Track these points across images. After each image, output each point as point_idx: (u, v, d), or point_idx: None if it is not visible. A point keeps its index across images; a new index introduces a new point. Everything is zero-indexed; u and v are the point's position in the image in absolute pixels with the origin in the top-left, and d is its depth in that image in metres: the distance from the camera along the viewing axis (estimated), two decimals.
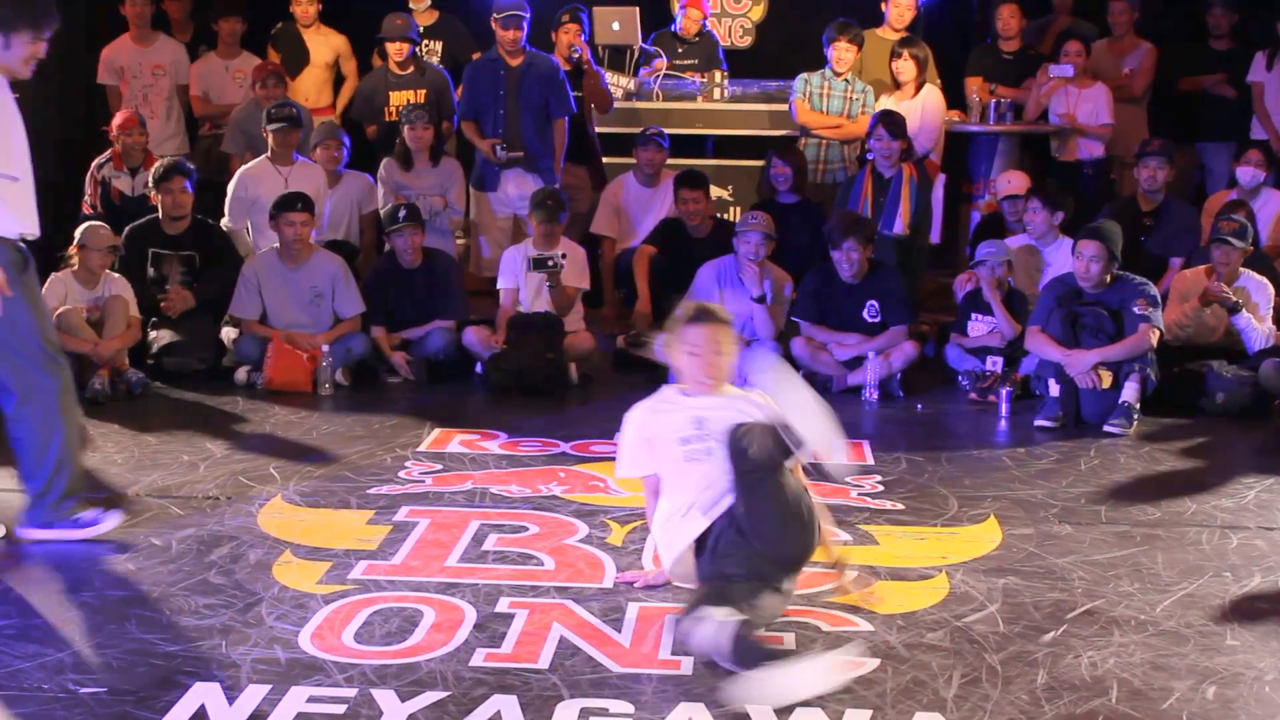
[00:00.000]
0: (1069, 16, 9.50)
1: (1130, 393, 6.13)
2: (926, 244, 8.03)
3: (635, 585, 4.09)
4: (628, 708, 3.30)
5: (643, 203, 8.26)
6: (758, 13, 10.31)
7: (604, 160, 8.62)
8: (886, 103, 8.34)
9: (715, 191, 8.53)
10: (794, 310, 7.02)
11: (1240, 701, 3.40)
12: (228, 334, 7.08)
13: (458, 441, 5.77)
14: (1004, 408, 6.35)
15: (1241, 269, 6.79)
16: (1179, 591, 4.14)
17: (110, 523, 4.53)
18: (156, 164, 7.35)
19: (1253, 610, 4.00)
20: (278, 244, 6.98)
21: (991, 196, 8.50)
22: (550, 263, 6.85)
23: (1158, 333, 6.26)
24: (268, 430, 5.98)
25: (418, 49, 8.47)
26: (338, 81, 9.09)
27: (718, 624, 3.43)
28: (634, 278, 7.65)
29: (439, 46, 8.94)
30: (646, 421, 4.00)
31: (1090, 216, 7.08)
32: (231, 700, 3.31)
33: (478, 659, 3.57)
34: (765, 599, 3.65)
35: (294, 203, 6.88)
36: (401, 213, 7.13)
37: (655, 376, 6.89)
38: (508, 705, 3.30)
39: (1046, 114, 8.78)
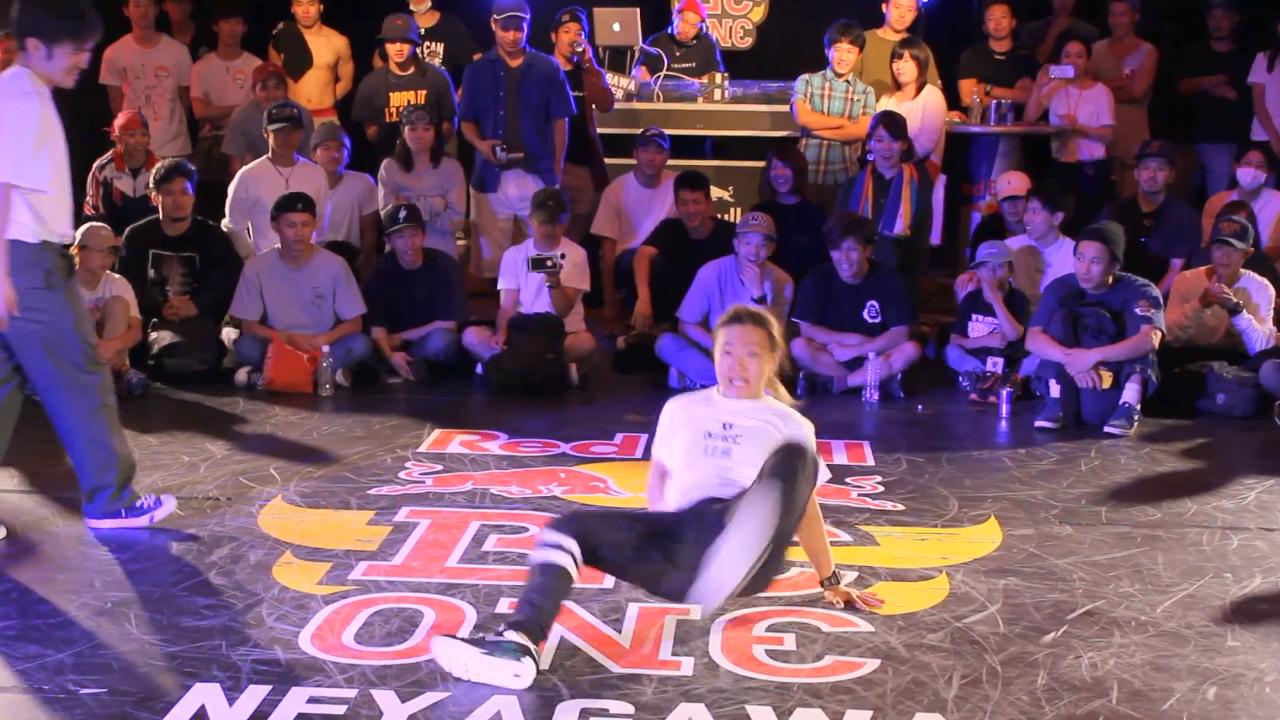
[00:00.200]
0: (1069, 17, 9.50)
1: (1131, 394, 6.13)
2: (927, 245, 8.04)
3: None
4: (628, 708, 3.30)
5: (643, 204, 8.25)
6: (758, 14, 10.29)
7: (605, 161, 8.62)
8: (887, 104, 8.34)
9: (716, 192, 8.53)
10: (794, 311, 7.02)
11: (1241, 702, 3.40)
12: (228, 335, 7.09)
13: (458, 442, 5.77)
14: (1004, 408, 6.35)
15: (1242, 270, 6.79)
16: (1179, 592, 4.14)
17: (168, 508, 4.65)
18: (157, 165, 7.36)
19: (1253, 611, 4.00)
20: (279, 245, 6.99)
21: (992, 197, 8.49)
22: (549, 262, 6.84)
23: (1159, 334, 6.26)
24: (268, 431, 5.99)
25: (418, 50, 8.47)
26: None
27: (547, 550, 3.50)
28: (634, 279, 7.65)
29: (440, 48, 8.94)
30: (677, 411, 4.07)
31: (1091, 217, 7.09)
32: (232, 701, 3.30)
33: None
34: (631, 563, 3.66)
35: (295, 203, 6.88)
36: (402, 214, 7.14)
37: (656, 377, 7.05)
38: (508, 705, 3.30)
39: (1047, 115, 8.77)
